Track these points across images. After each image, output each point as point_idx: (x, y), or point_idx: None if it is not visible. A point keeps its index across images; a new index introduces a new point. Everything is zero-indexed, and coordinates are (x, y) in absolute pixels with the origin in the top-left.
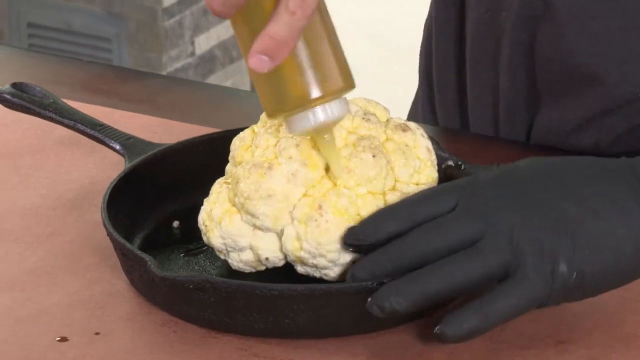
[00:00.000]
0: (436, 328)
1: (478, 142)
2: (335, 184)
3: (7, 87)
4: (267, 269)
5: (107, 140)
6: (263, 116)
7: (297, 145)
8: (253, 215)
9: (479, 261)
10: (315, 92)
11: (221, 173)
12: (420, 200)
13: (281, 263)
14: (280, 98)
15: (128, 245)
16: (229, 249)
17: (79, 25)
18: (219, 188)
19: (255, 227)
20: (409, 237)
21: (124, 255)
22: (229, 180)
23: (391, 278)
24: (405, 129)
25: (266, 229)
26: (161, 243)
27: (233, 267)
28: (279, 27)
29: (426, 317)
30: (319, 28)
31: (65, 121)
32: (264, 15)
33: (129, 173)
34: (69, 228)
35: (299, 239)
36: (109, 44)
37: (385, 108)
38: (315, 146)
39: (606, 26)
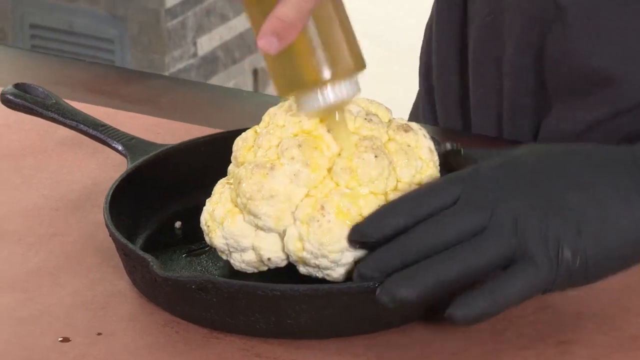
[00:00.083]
0: (446, 312)
1: (481, 142)
2: (337, 185)
3: (9, 87)
4: (269, 270)
5: (109, 140)
6: (265, 117)
7: (300, 146)
8: (255, 216)
9: (485, 249)
10: (324, 73)
11: (223, 173)
12: (423, 194)
13: (283, 263)
14: (291, 78)
15: (130, 245)
16: (231, 250)
17: (81, 26)
18: (221, 188)
19: (257, 227)
20: (414, 232)
21: (126, 255)
22: (231, 181)
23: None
24: (407, 129)
25: (268, 230)
26: (163, 243)
27: (235, 268)
28: (287, 9)
29: (429, 318)
30: (329, 9)
31: (68, 122)
32: None
33: (132, 174)
34: (72, 229)
35: (301, 239)
36: (112, 45)
37: (387, 109)
38: (318, 147)
39: (617, 28)
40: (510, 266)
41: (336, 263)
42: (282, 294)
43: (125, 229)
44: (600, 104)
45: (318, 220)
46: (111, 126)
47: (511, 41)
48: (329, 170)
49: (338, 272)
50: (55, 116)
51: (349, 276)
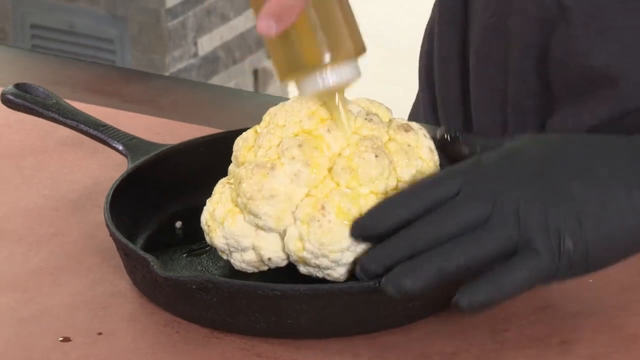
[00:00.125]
0: (452, 300)
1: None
2: (338, 184)
3: (10, 87)
4: (269, 269)
5: (109, 141)
6: (266, 116)
7: (300, 146)
8: (256, 216)
9: (488, 240)
10: (324, 55)
11: (224, 173)
12: (425, 186)
13: (284, 263)
14: (291, 61)
15: (131, 245)
16: (231, 249)
17: (82, 26)
18: (221, 188)
19: (257, 227)
20: (416, 225)
21: (126, 255)
22: (231, 181)
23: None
24: (407, 129)
25: (269, 229)
26: (164, 243)
27: (235, 268)
28: None
29: (430, 318)
30: None
31: (68, 122)
32: None
33: (132, 174)
34: (72, 229)
35: (301, 239)
36: (112, 45)
37: (387, 108)
38: (319, 146)
39: (622, 27)
40: (513, 256)
41: (337, 263)
42: (282, 293)
43: (125, 229)
44: (604, 105)
45: (318, 220)
46: (112, 126)
47: (515, 43)
48: (330, 170)
49: (338, 272)
50: (56, 116)
51: (349, 276)
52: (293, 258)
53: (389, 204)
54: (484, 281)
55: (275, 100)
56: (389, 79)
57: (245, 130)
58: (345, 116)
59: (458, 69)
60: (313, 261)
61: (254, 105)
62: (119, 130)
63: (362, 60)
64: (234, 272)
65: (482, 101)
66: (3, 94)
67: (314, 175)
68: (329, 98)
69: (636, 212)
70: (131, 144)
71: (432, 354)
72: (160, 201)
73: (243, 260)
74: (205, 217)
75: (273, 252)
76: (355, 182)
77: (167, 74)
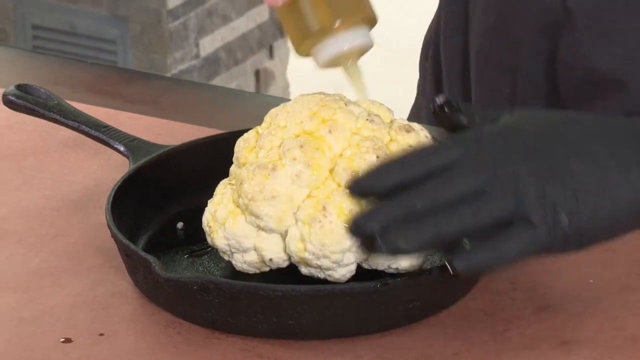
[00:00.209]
0: (447, 261)
1: None
2: (339, 185)
3: (11, 88)
4: (271, 270)
5: (111, 141)
6: (267, 117)
7: (301, 147)
8: (257, 217)
9: (484, 209)
10: (334, 19)
11: (225, 174)
12: (428, 151)
13: (285, 264)
14: (303, 30)
15: (132, 246)
16: (232, 250)
17: (83, 27)
18: (223, 189)
19: (259, 228)
20: (417, 187)
21: (128, 256)
22: (233, 182)
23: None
24: (409, 130)
25: (270, 230)
26: (165, 244)
27: (237, 268)
28: None
29: (430, 318)
30: None
31: (70, 122)
32: None
33: (133, 174)
34: (73, 229)
35: (303, 240)
36: (114, 46)
37: (389, 109)
38: (320, 147)
39: (625, 31)
40: (509, 226)
41: (338, 264)
42: (283, 294)
43: (127, 229)
44: (611, 108)
45: (320, 221)
46: (113, 127)
47: (522, 47)
48: (331, 171)
49: (340, 273)
50: (57, 117)
51: (350, 277)
52: (294, 259)
53: (390, 164)
54: (480, 248)
55: (276, 101)
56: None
57: (246, 131)
58: (361, 82)
59: (460, 70)
60: (314, 262)
61: (256, 106)
62: (120, 131)
63: (362, 60)
64: (235, 273)
65: (483, 101)
66: (4, 95)
67: (316, 176)
68: (345, 65)
69: (633, 192)
70: (132, 145)
71: (433, 355)
72: (161, 202)
73: (244, 261)
74: (207, 218)
75: (274, 253)
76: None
77: (168, 74)
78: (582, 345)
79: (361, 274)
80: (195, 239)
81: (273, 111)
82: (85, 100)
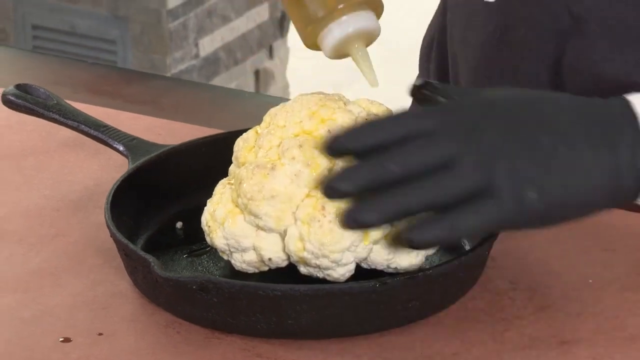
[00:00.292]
0: (403, 234)
1: None
2: None
3: (10, 88)
4: (270, 270)
5: (110, 141)
6: (266, 117)
7: (300, 146)
8: (256, 216)
9: (452, 182)
10: (337, 3)
11: (224, 174)
12: (404, 117)
13: (284, 264)
14: (308, 17)
15: (131, 246)
16: (232, 250)
17: (83, 27)
18: (222, 189)
19: (258, 227)
20: (390, 150)
21: (127, 256)
22: (232, 181)
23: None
24: None
25: (269, 230)
26: (165, 244)
27: (236, 268)
28: None
29: (430, 318)
30: None
31: (69, 122)
32: None
33: (133, 174)
34: (73, 229)
35: (302, 239)
36: (114, 46)
37: (388, 109)
38: (319, 147)
39: (636, 37)
40: (473, 199)
41: (337, 263)
42: (283, 294)
43: (126, 229)
44: None
45: (319, 221)
46: (112, 127)
47: (527, 54)
48: (330, 170)
49: (339, 272)
50: (57, 117)
51: (349, 276)
52: (293, 258)
53: (367, 125)
54: (438, 221)
55: (276, 100)
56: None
57: (245, 130)
58: (368, 65)
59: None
60: (313, 261)
61: (255, 106)
62: (119, 130)
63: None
64: (234, 273)
65: None
66: (4, 94)
67: (315, 176)
68: (352, 51)
69: (603, 173)
70: (132, 145)
71: (432, 355)
72: (161, 202)
73: (243, 261)
74: (206, 218)
75: (273, 253)
76: None
77: (168, 74)
78: (582, 345)
79: (360, 273)
80: (194, 239)
81: (272, 111)
82: (85, 100)
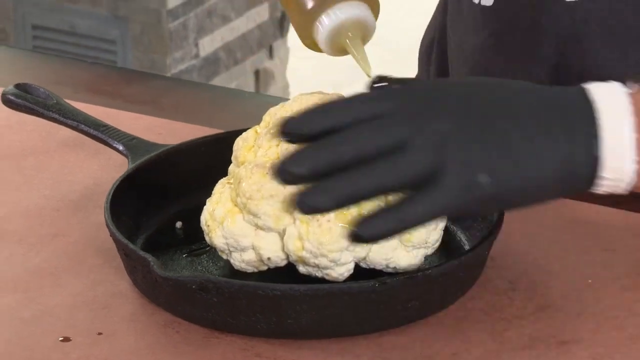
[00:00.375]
0: (351, 231)
1: None
2: None
3: (10, 88)
4: (269, 269)
5: (110, 141)
6: (266, 117)
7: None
8: (255, 215)
9: (402, 166)
10: None
11: (224, 174)
12: (357, 99)
13: (283, 263)
14: (302, 11)
15: (131, 245)
16: (231, 249)
17: (83, 27)
18: (221, 188)
19: (257, 227)
20: (343, 132)
21: (127, 255)
22: (231, 181)
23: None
24: None
25: (268, 229)
26: (164, 244)
27: (235, 267)
28: None
29: (429, 318)
30: None
31: (69, 122)
32: None
33: (132, 174)
34: (73, 229)
35: (300, 238)
36: (114, 46)
37: None
38: None
39: (637, 36)
40: (422, 185)
41: (335, 262)
42: (282, 294)
43: (126, 229)
44: None
45: (318, 220)
46: (112, 126)
47: (525, 57)
48: None
49: (337, 272)
50: (56, 116)
51: (348, 276)
52: (292, 258)
53: (319, 109)
54: (385, 214)
55: (275, 100)
56: None
57: (245, 130)
58: (362, 51)
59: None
60: (312, 261)
61: (255, 106)
62: (119, 130)
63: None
64: (233, 272)
65: None
66: (4, 94)
67: None
68: (346, 41)
69: (556, 158)
70: (132, 144)
71: (432, 355)
72: (160, 201)
73: (243, 260)
74: (205, 217)
75: (272, 252)
76: None
77: (168, 74)
78: (581, 345)
79: (360, 273)
80: (194, 238)
81: (272, 110)
82: (85, 100)
